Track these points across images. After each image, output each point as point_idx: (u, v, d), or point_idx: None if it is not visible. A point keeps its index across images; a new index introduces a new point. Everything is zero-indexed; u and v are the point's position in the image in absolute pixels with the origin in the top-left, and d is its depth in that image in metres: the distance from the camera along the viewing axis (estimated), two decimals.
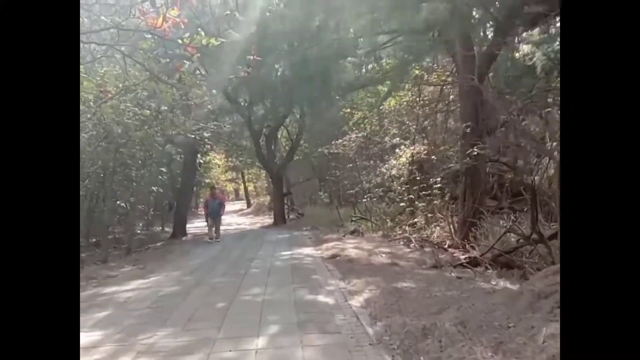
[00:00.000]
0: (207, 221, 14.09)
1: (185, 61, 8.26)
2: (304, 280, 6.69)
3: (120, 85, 8.35)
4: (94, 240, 17.36)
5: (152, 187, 19.65)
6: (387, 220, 14.88)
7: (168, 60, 8.56)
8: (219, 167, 35.82)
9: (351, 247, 10.00)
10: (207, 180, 35.64)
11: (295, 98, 11.75)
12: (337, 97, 14.86)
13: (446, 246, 9.29)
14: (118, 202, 17.06)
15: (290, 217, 24.39)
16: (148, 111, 8.76)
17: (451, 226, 9.70)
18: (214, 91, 11.14)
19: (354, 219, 17.02)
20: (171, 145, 16.86)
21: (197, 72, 8.69)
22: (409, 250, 9.49)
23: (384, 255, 8.64)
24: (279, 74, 10.91)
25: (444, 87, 11.35)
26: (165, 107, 9.79)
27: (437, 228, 11.03)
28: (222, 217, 15.11)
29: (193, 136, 10.89)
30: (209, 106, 19.14)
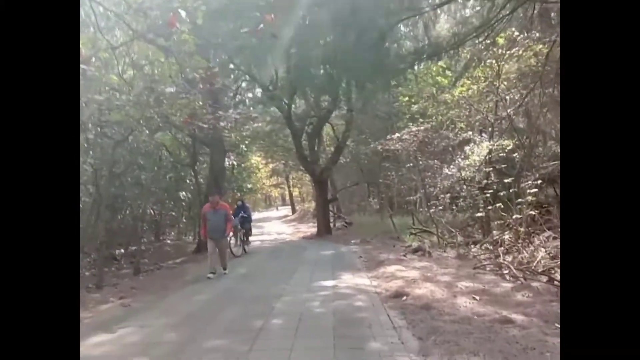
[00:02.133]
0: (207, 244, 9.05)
1: (181, 11, 5.68)
2: (354, 355, 3.82)
3: (92, 47, 5.85)
4: (114, 252, 15.31)
5: (181, 193, 17.51)
6: (457, 234, 11.75)
7: (158, 13, 5.99)
8: (259, 170, 33.55)
9: (420, 277, 7.04)
10: (249, 186, 33.54)
11: (340, 75, 8.89)
12: (394, 81, 11.94)
13: None
14: (143, 210, 14.95)
15: (337, 225, 21.59)
16: (115, 77, 6.16)
17: None
18: (231, 65, 8.50)
19: (413, 231, 13.97)
20: (198, 143, 14.54)
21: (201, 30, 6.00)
22: (508, 284, 6.41)
23: (477, 297, 5.62)
24: (319, 39, 8.09)
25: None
26: (166, 85, 7.23)
27: (542, 250, 7.82)
28: (233, 234, 11.40)
29: (206, 125, 8.28)
30: (238, 95, 16.72)
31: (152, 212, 18.58)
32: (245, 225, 13.14)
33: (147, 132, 9.08)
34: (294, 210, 42.56)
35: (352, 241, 14.65)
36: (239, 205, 13.66)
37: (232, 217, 9.54)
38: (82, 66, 5.69)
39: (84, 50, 6.11)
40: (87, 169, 9.13)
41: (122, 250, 15.67)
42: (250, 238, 14.28)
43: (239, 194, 37.47)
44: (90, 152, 8.99)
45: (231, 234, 10.86)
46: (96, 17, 5.98)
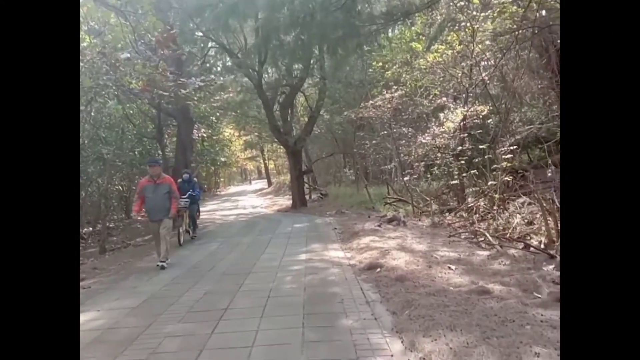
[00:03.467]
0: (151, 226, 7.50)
1: None
2: (324, 333, 3.57)
3: None
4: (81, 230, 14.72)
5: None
6: (432, 202, 11.63)
7: None
8: (232, 143, 32.89)
9: (395, 247, 6.85)
10: (222, 159, 32.88)
11: (311, 39, 8.42)
12: (366, 46, 11.51)
13: (542, 247, 6.03)
14: (107, 186, 14.35)
15: (312, 197, 21.38)
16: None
17: (552, 216, 6.35)
18: (198, 33, 7.91)
19: (388, 201, 13.81)
20: (164, 115, 13.90)
21: None
22: (484, 253, 6.27)
23: (452, 267, 5.45)
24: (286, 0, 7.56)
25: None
26: (121, 51, 6.68)
27: (517, 216, 7.70)
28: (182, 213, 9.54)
29: (167, 93, 7.75)
30: (206, 63, 16.02)
31: (120, 188, 17.96)
32: (191, 207, 10.27)
33: (107, 101, 8.45)
34: (269, 183, 42.18)
35: (328, 213, 14.45)
36: (184, 180, 10.25)
37: (178, 193, 7.61)
38: None
39: None
40: None
41: (90, 229, 15.12)
42: (210, 216, 13.44)
43: (212, 169, 36.78)
44: None
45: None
46: None
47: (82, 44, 7.57)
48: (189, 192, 9.93)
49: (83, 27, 7.24)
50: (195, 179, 10.91)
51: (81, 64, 6.63)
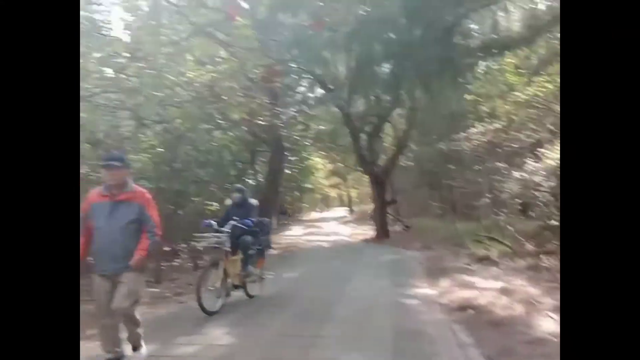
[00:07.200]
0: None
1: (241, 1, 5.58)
2: None
3: (151, 41, 5.86)
4: (176, 247, 15.69)
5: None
6: (528, 243, 10.91)
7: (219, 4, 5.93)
8: (316, 170, 33.50)
9: (488, 288, 6.50)
10: (308, 186, 33.56)
11: (404, 72, 8.48)
12: (461, 79, 11.32)
13: None
14: (203, 206, 15.28)
15: (396, 228, 21.02)
16: (170, 76, 6.15)
17: None
18: (292, 65, 8.29)
19: (479, 238, 13.19)
20: (258, 141, 14.61)
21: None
22: None
23: (552, 315, 5.04)
24: (381, 34, 7.72)
25: None
26: (226, 82, 7.18)
27: None
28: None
29: (264, 123, 8.20)
30: (299, 94, 16.65)
31: (211, 209, 18.96)
32: (245, 241, 5.85)
33: (211, 130, 9.11)
34: (351, 212, 42.31)
35: (412, 246, 14.12)
36: (235, 202, 6.21)
37: (154, 222, 3.59)
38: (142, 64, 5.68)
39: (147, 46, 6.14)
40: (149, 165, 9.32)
41: (185, 245, 16.05)
42: (295, 241, 12.49)
43: (297, 194, 37.66)
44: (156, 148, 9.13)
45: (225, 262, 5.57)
46: (158, 12, 5.99)
47: (190, 74, 8.22)
48: (232, 222, 5.67)
49: (192, 57, 7.86)
50: (253, 200, 6.43)
51: (188, 92, 7.18)
